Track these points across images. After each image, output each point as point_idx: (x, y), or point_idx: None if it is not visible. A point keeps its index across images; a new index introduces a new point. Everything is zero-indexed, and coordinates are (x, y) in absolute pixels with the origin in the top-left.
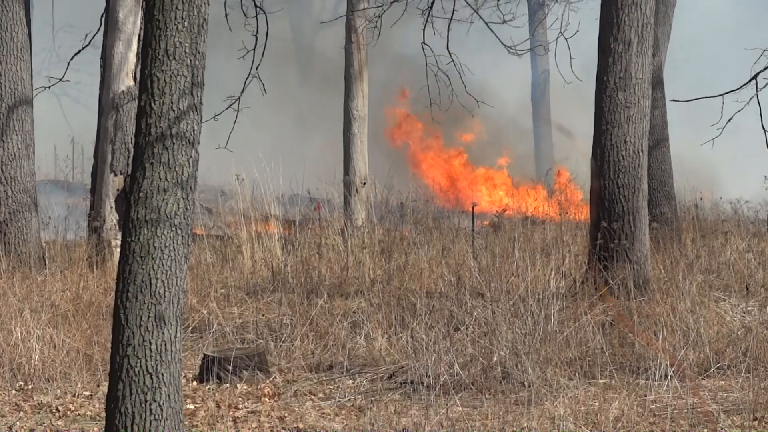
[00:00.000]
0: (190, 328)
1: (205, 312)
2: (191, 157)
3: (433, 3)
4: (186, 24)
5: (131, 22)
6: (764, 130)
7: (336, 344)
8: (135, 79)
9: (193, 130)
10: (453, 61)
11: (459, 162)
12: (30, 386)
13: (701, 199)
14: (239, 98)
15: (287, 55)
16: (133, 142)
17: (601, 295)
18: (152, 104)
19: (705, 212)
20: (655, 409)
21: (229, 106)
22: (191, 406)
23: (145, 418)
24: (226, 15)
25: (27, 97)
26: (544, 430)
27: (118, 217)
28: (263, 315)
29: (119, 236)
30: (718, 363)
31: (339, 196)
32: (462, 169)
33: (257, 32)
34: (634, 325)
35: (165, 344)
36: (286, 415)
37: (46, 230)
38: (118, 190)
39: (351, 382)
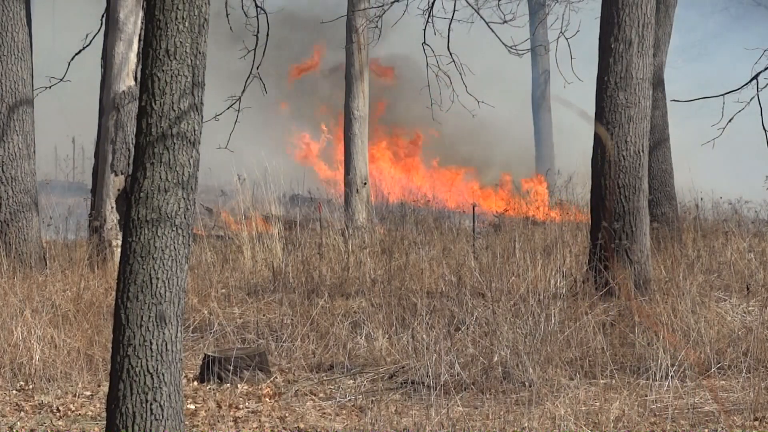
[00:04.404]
0: (191, 328)
1: (205, 312)
2: (192, 157)
3: (433, 3)
4: (187, 24)
5: (132, 22)
6: (765, 130)
7: (337, 344)
8: (136, 79)
9: (194, 130)
10: (454, 61)
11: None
12: (31, 386)
13: (702, 199)
14: (240, 98)
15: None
16: (133, 142)
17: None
18: (153, 104)
19: (705, 212)
20: (656, 409)
21: (230, 106)
22: (192, 406)
23: (146, 418)
24: (227, 15)
25: (27, 97)
26: (544, 430)
27: (118, 217)
28: (264, 315)
29: (120, 236)
30: (719, 363)
31: (339, 196)
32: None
33: (258, 32)
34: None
35: (166, 344)
36: (287, 415)
37: (47, 230)
38: (118, 190)
39: (352, 382)
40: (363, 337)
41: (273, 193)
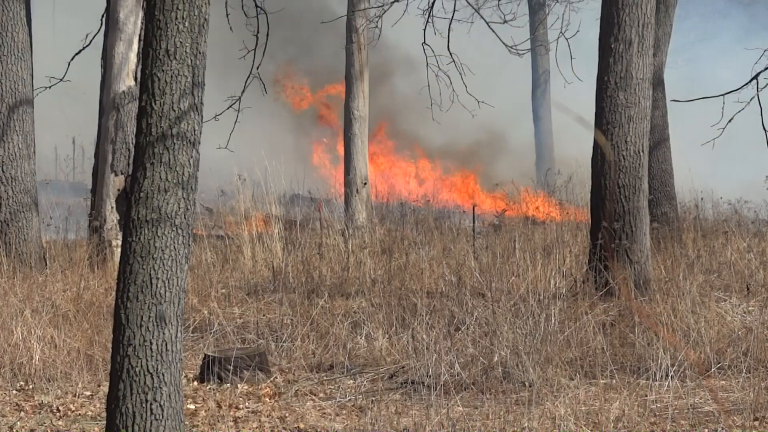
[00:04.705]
0: (190, 328)
1: (205, 312)
2: (192, 157)
3: (433, 3)
4: (187, 24)
5: (132, 22)
6: (765, 130)
7: (337, 344)
8: (136, 79)
9: (194, 130)
10: (454, 61)
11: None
12: (31, 386)
13: (702, 199)
14: (240, 98)
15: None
16: (133, 142)
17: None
18: (153, 104)
19: (705, 212)
20: (656, 409)
21: (230, 106)
22: (192, 406)
23: (146, 418)
24: (227, 15)
25: (28, 97)
26: (544, 430)
27: (118, 217)
28: (264, 315)
29: (120, 236)
30: (719, 363)
31: (340, 196)
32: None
33: (258, 32)
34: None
35: (166, 344)
36: (287, 415)
37: (47, 230)
38: (118, 190)
39: (352, 382)
40: (363, 337)
41: (273, 193)
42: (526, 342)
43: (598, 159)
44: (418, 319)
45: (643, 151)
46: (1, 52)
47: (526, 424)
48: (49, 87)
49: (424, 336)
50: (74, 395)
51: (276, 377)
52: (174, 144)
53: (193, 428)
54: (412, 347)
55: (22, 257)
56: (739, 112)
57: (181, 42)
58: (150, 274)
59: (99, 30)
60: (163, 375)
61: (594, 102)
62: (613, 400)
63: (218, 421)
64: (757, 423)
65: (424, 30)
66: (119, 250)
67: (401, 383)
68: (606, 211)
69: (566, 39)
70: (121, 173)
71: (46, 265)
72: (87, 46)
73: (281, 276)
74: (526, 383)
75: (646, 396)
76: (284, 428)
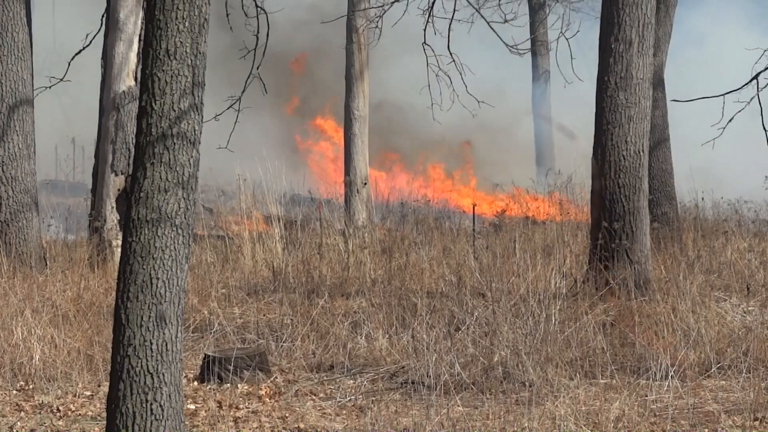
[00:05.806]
0: (191, 328)
1: (206, 312)
2: (192, 156)
3: (434, 3)
4: (187, 24)
5: (132, 22)
6: (765, 130)
7: (337, 344)
8: (136, 79)
9: (194, 130)
10: (454, 61)
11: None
12: (31, 386)
13: (702, 199)
14: (240, 98)
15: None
16: (134, 142)
17: (602, 295)
18: (153, 104)
19: (705, 212)
20: (656, 409)
21: (230, 106)
22: (192, 406)
23: (146, 418)
24: (227, 15)
25: (28, 97)
26: (544, 430)
27: (119, 217)
28: (264, 315)
29: (120, 236)
30: (719, 363)
31: (340, 196)
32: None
33: (258, 32)
34: (635, 325)
35: (166, 344)
36: (287, 415)
37: (47, 230)
38: (119, 190)
39: (352, 382)
40: (363, 337)
41: (273, 193)
42: (526, 342)
43: (598, 159)
44: (418, 319)
45: (643, 151)
46: (1, 52)
47: (526, 424)
48: (49, 87)
49: (424, 336)
50: (74, 395)
51: (276, 377)
52: (174, 144)
53: (193, 428)
54: (412, 347)
55: (22, 257)
56: (739, 112)
57: (181, 42)
58: (150, 274)
59: (99, 30)
60: (163, 375)
61: (594, 102)
62: (613, 400)
63: (218, 421)
64: (757, 423)
65: (424, 30)
66: (119, 250)
67: (401, 383)
68: (606, 211)
69: (566, 39)
70: (121, 173)
71: (46, 265)
72: (87, 46)
73: (281, 276)
74: (526, 383)
75: (646, 396)
76: (284, 428)
